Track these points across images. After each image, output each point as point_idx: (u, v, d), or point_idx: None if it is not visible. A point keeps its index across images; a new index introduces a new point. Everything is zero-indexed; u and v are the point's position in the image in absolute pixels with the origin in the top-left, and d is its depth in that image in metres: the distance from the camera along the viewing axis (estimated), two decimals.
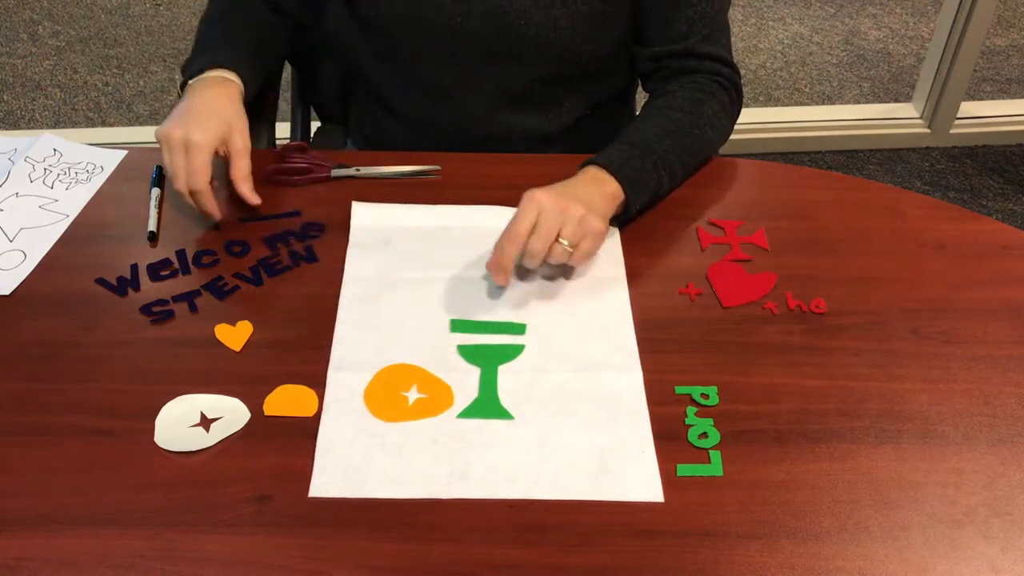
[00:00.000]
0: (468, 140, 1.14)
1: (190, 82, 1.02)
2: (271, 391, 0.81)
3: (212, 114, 0.96)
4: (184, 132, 0.93)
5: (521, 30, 1.06)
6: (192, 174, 0.93)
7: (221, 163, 0.98)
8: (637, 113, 1.27)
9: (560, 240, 0.88)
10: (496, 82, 1.11)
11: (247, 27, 1.12)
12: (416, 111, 1.17)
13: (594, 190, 0.94)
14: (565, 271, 0.95)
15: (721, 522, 0.71)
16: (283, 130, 1.31)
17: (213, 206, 0.96)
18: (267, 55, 1.14)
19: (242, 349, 0.85)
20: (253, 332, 0.87)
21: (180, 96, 1.03)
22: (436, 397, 0.81)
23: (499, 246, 0.88)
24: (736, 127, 1.12)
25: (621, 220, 0.99)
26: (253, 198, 0.98)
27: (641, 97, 1.41)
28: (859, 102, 2.73)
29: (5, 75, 2.76)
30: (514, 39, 1.06)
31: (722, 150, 1.25)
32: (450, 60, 1.10)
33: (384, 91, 1.18)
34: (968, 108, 2.56)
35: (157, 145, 0.96)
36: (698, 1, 1.06)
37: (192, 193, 0.95)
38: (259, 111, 1.22)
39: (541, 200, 0.88)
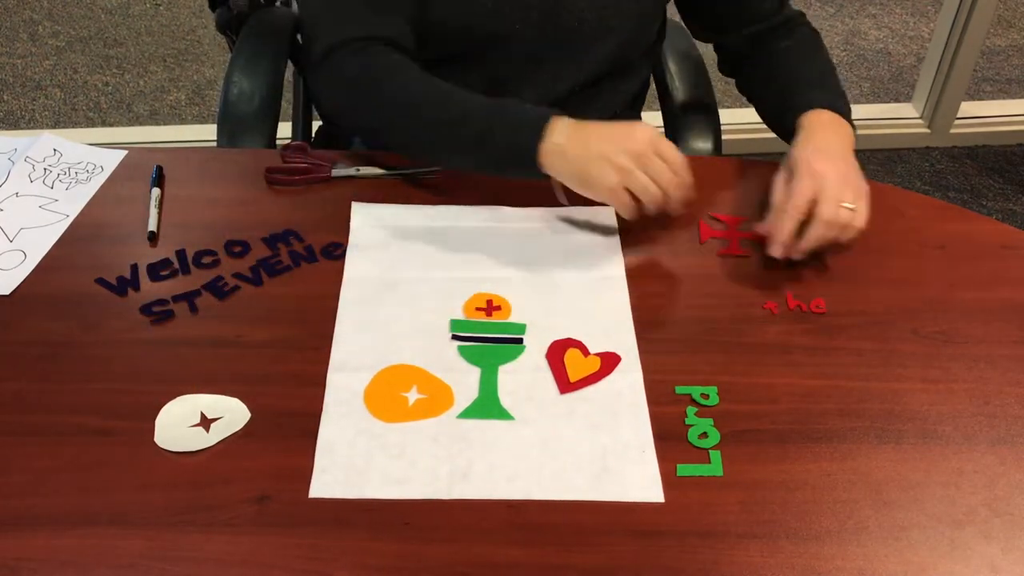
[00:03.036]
0: None
1: (547, 144, 0.92)
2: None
3: (621, 126, 0.93)
4: (643, 141, 0.90)
5: (575, 31, 1.07)
6: (678, 167, 0.92)
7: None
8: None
9: (843, 204, 0.90)
10: (544, 84, 1.12)
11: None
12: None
13: (846, 143, 0.98)
14: (565, 271, 0.95)
15: (721, 522, 0.71)
16: (284, 130, 1.31)
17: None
18: None
19: (242, 349, 0.85)
20: (253, 332, 0.87)
21: (530, 167, 0.94)
22: (436, 397, 0.81)
23: (777, 222, 0.92)
24: (736, 127, 1.13)
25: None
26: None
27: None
28: (859, 102, 2.73)
29: (5, 75, 2.76)
30: (566, 40, 1.08)
31: (724, 149, 1.25)
32: (503, 64, 1.10)
33: None
34: (968, 108, 2.56)
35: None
36: None
37: (684, 169, 0.93)
38: (259, 111, 1.22)
39: (822, 170, 0.91)
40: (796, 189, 0.91)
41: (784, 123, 1.04)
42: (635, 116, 1.28)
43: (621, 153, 0.89)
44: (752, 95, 1.17)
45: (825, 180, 0.91)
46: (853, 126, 1.02)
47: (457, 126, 0.97)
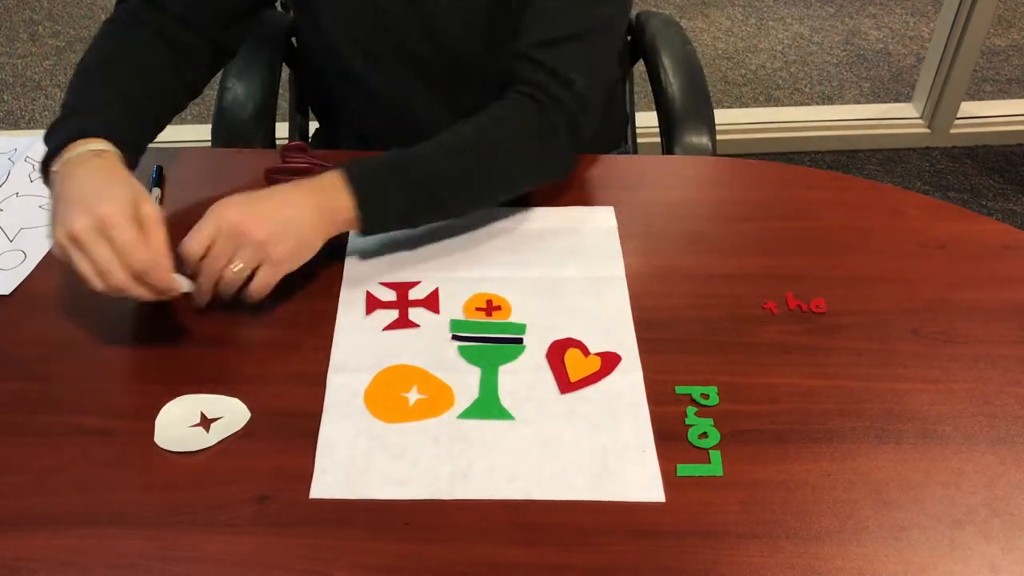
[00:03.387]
0: None
1: (58, 163, 0.83)
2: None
3: (108, 184, 0.80)
4: (90, 218, 0.76)
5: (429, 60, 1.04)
6: (127, 249, 0.76)
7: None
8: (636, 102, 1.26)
9: (233, 266, 0.80)
10: (445, 106, 1.09)
11: (130, 75, 0.95)
12: (379, 129, 1.15)
13: (309, 201, 0.84)
14: (565, 271, 0.95)
15: (721, 522, 0.71)
16: (283, 130, 1.31)
17: (179, 280, 0.81)
18: (155, 106, 0.97)
19: (242, 349, 0.85)
20: (253, 332, 0.87)
21: (45, 179, 0.86)
22: (437, 398, 0.81)
23: (164, 281, 0.79)
24: (736, 127, 1.12)
25: (367, 233, 0.90)
26: (176, 284, 0.81)
27: (644, 81, 1.41)
28: (859, 102, 2.73)
29: (5, 75, 2.76)
30: (429, 70, 1.06)
31: (722, 149, 1.25)
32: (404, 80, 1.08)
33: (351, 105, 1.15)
34: (968, 108, 2.56)
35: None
36: (550, 5, 0.94)
37: (139, 275, 0.77)
38: (253, 118, 1.22)
39: (223, 216, 0.80)
40: (194, 230, 0.81)
41: None
42: (609, 123, 1.25)
43: (61, 229, 0.76)
44: None
45: (222, 225, 0.80)
46: (366, 206, 0.86)
47: (69, 91, 0.92)
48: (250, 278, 0.83)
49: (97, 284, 0.77)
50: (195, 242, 0.80)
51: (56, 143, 0.85)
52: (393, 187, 0.88)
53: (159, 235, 0.79)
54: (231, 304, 0.85)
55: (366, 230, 0.89)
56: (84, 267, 0.77)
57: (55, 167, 0.83)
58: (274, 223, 0.82)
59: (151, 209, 0.80)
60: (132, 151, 0.90)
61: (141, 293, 0.78)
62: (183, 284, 0.81)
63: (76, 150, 0.83)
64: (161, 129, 0.99)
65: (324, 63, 1.14)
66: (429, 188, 0.90)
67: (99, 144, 0.85)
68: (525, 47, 0.95)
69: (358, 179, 0.87)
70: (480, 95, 0.97)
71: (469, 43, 1.05)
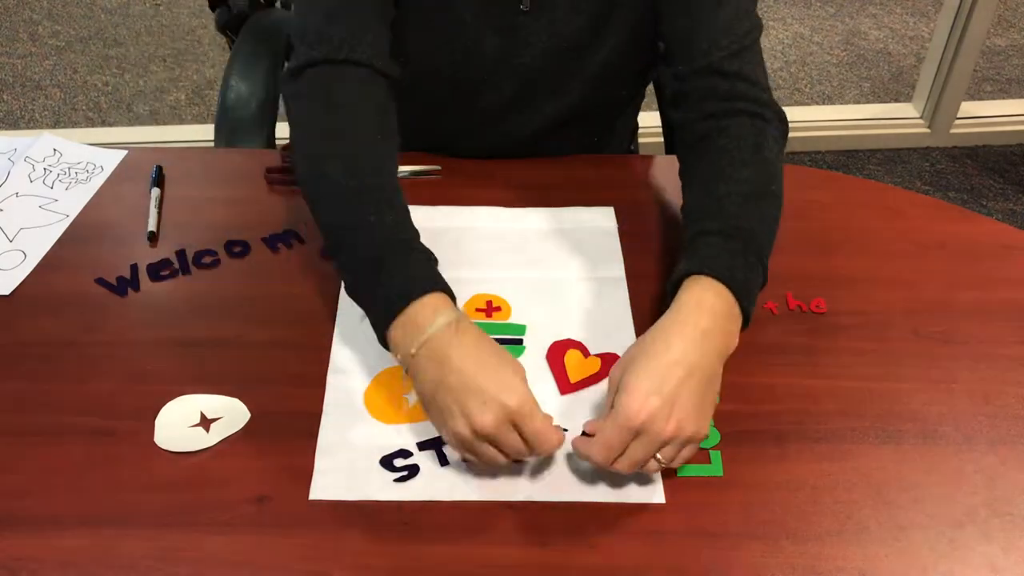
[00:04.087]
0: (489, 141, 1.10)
1: (415, 346, 0.73)
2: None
3: (501, 369, 0.72)
4: (501, 412, 0.69)
5: (573, 63, 1.01)
6: (542, 445, 0.71)
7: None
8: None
9: (657, 457, 0.71)
10: (543, 112, 1.07)
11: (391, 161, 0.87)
12: (469, 139, 1.10)
13: (711, 345, 0.74)
14: (565, 271, 0.95)
15: (721, 522, 0.71)
16: (283, 130, 1.31)
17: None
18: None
19: (242, 349, 0.85)
20: (253, 332, 0.87)
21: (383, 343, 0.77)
22: None
23: (586, 449, 0.71)
24: None
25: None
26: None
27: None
28: (859, 102, 2.73)
29: (5, 75, 2.76)
30: (565, 72, 1.03)
31: None
32: (501, 92, 1.05)
33: (432, 115, 1.09)
34: (968, 108, 2.56)
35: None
36: (722, 14, 0.91)
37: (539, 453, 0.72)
38: (256, 115, 1.22)
39: (646, 423, 0.69)
40: (605, 436, 0.70)
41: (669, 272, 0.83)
42: (620, 135, 1.24)
43: (464, 421, 0.70)
44: (681, 175, 0.94)
45: (645, 431, 0.69)
46: (747, 299, 0.78)
47: (341, 241, 0.81)
48: None
49: (498, 462, 0.72)
50: (611, 452, 0.70)
51: (391, 311, 0.75)
52: (751, 264, 0.80)
53: (536, 431, 0.71)
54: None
55: (745, 324, 0.79)
56: (490, 455, 0.71)
57: (413, 350, 0.73)
58: (697, 407, 0.71)
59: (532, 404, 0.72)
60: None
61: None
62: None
63: (432, 326, 0.73)
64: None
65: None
66: (761, 246, 0.83)
67: (449, 310, 0.75)
68: (715, 61, 0.91)
69: (732, 282, 0.77)
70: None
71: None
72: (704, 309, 0.75)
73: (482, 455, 0.71)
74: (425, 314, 0.74)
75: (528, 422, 0.70)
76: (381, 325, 0.76)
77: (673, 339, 0.73)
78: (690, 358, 0.72)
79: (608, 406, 0.73)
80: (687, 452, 0.72)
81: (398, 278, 0.76)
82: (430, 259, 0.79)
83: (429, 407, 0.73)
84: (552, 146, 1.11)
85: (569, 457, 0.76)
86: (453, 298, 0.77)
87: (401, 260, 0.77)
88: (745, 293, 0.78)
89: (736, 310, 0.77)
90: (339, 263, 0.82)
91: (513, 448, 0.71)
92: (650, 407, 0.69)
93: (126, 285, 0.92)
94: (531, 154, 1.10)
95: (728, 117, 0.90)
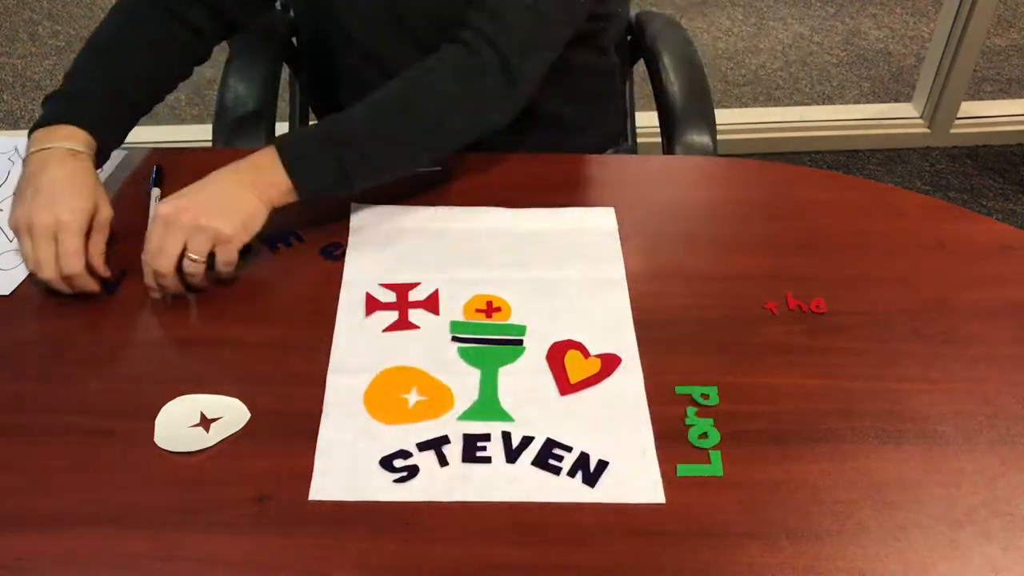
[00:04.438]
0: None
1: (36, 145, 0.92)
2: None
3: (75, 190, 0.89)
4: (52, 216, 0.86)
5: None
6: (67, 257, 0.86)
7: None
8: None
9: (188, 254, 0.86)
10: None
11: (138, 55, 1.02)
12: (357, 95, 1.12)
13: (244, 178, 0.89)
14: (565, 272, 0.95)
15: (721, 522, 0.71)
16: (282, 130, 1.31)
17: (92, 281, 0.89)
18: (158, 85, 1.05)
19: (242, 349, 0.85)
20: (253, 332, 0.87)
21: (26, 149, 0.93)
22: (436, 399, 0.81)
23: (86, 285, 0.88)
24: (736, 127, 1.11)
25: (306, 198, 0.93)
26: (104, 271, 0.89)
27: (644, 82, 1.41)
28: (859, 102, 2.73)
29: (5, 75, 2.76)
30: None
31: (722, 149, 1.25)
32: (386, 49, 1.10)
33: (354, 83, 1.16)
34: (968, 108, 2.56)
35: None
36: None
37: (67, 278, 0.87)
38: (254, 116, 1.22)
39: (161, 213, 0.86)
40: (147, 236, 0.88)
41: None
42: (598, 96, 1.26)
43: (24, 212, 0.87)
44: None
45: (167, 222, 0.86)
46: (291, 158, 0.90)
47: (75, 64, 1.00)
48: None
49: (31, 268, 0.88)
50: (151, 249, 0.86)
51: (44, 118, 0.93)
52: (320, 150, 0.92)
53: (100, 239, 0.89)
54: (204, 288, 0.90)
55: (303, 196, 0.92)
56: (27, 252, 0.87)
57: (33, 148, 0.91)
58: (213, 205, 0.87)
59: (105, 214, 0.91)
60: (109, 147, 0.98)
61: (62, 288, 0.88)
62: (97, 289, 0.89)
63: (56, 142, 0.91)
64: (160, 100, 1.07)
65: (327, 47, 1.15)
66: (358, 146, 0.93)
67: (78, 142, 0.92)
68: (466, 15, 0.97)
69: (285, 148, 0.91)
70: None
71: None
72: (245, 159, 0.91)
73: (22, 246, 0.88)
74: (58, 135, 0.92)
75: (66, 238, 0.86)
76: (34, 127, 0.94)
77: (213, 174, 0.90)
78: (211, 179, 0.89)
79: None
80: (221, 250, 0.87)
81: (63, 103, 0.95)
82: (101, 104, 0.97)
83: (16, 196, 0.89)
84: None
85: (570, 459, 0.76)
86: (97, 139, 0.94)
87: (75, 90, 0.96)
88: (294, 166, 0.90)
89: (279, 167, 0.90)
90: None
91: (44, 254, 0.86)
92: (171, 204, 0.86)
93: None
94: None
95: (447, 45, 0.97)
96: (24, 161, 0.92)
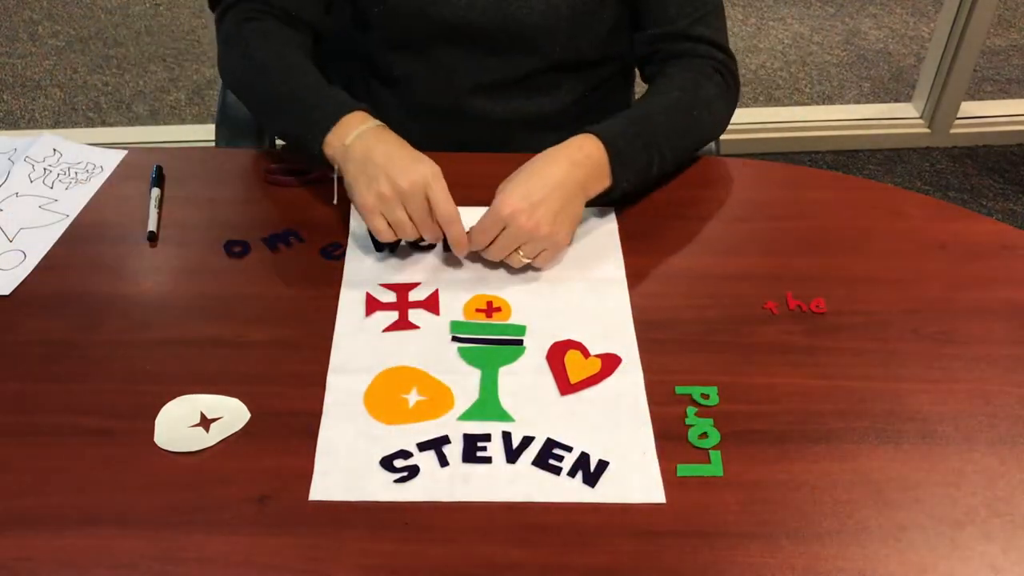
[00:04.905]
0: (470, 122, 1.15)
1: (350, 137, 0.93)
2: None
3: (412, 151, 0.92)
4: (418, 174, 0.88)
5: (523, 20, 1.07)
6: (448, 204, 0.89)
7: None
8: (635, 93, 1.28)
9: (518, 252, 0.91)
10: (498, 70, 1.12)
11: (306, 59, 1.06)
12: (421, 97, 1.16)
13: (578, 178, 0.93)
14: (565, 272, 0.95)
15: (721, 522, 0.71)
16: None
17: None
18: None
19: (242, 349, 0.85)
20: (253, 332, 0.87)
21: (312, 155, 0.96)
22: (436, 399, 0.81)
23: (458, 240, 0.91)
24: (736, 127, 1.12)
25: (607, 200, 0.98)
26: (464, 241, 0.91)
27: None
28: (859, 102, 2.73)
29: (5, 75, 2.76)
30: (516, 29, 1.08)
31: (723, 150, 1.25)
32: (453, 48, 1.10)
33: (390, 77, 1.16)
34: (968, 108, 2.56)
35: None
36: None
37: (449, 224, 0.90)
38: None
39: (510, 214, 0.88)
40: (481, 225, 0.91)
41: None
42: (625, 86, 1.28)
43: (387, 182, 0.88)
44: None
45: (510, 224, 0.89)
46: (619, 164, 0.95)
47: (279, 101, 1.01)
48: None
49: (405, 228, 0.90)
50: (484, 237, 0.91)
51: (325, 121, 0.95)
52: (635, 149, 0.97)
53: (446, 209, 0.90)
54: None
55: (605, 197, 0.97)
56: (399, 218, 0.89)
57: (348, 140, 0.92)
58: (555, 215, 0.90)
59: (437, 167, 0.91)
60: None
61: (434, 238, 0.92)
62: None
63: (363, 125, 0.94)
64: None
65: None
66: (659, 145, 1.00)
67: (373, 120, 0.95)
68: (682, 27, 1.08)
69: (610, 145, 0.95)
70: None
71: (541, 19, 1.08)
72: (580, 150, 0.94)
73: (394, 216, 0.89)
74: (354, 121, 0.94)
75: (438, 187, 0.88)
76: (319, 136, 0.94)
77: (548, 163, 0.93)
78: (556, 178, 0.91)
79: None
80: (546, 255, 0.92)
81: (330, 104, 0.97)
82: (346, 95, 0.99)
83: (354, 180, 0.91)
84: (546, 100, 1.16)
85: (570, 459, 0.76)
86: (373, 115, 0.96)
87: (327, 92, 0.99)
88: (619, 159, 0.95)
89: (607, 168, 0.95)
90: (279, 123, 1.03)
91: (421, 211, 0.88)
92: (517, 206, 0.88)
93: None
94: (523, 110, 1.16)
95: (684, 60, 1.08)
96: (336, 159, 0.94)
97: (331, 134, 0.94)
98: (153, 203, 1.01)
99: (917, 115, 2.57)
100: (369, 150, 0.91)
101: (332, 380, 0.82)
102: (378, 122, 0.95)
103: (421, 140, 0.97)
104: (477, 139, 1.13)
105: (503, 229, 0.89)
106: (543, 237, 0.90)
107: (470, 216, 0.92)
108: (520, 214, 0.88)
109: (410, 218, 0.89)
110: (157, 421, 0.78)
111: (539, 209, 0.89)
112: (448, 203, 0.89)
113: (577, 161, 0.93)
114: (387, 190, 0.88)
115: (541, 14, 1.07)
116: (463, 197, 0.91)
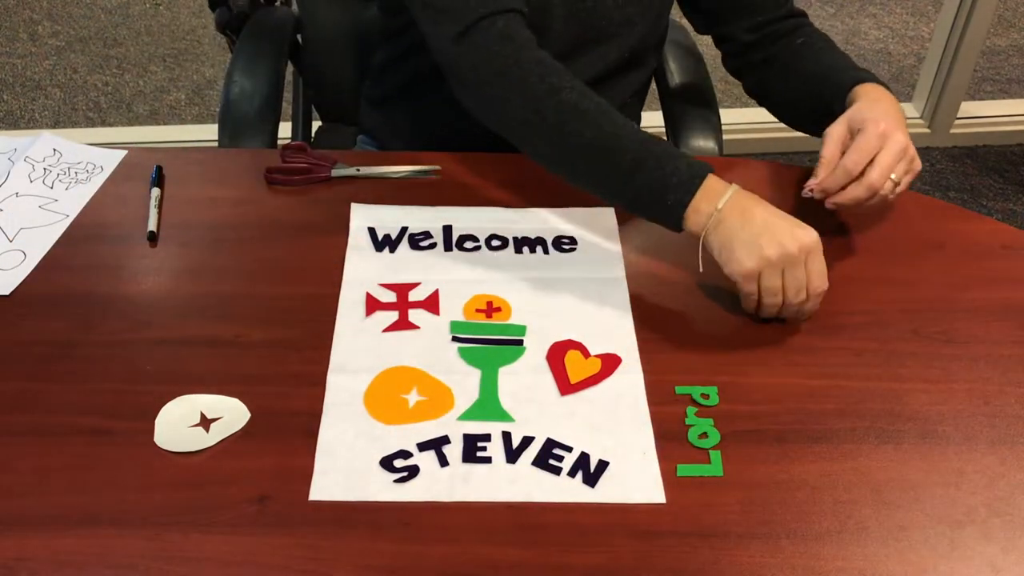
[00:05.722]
0: None
1: (721, 201, 0.87)
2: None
3: (787, 217, 0.88)
4: (801, 242, 0.85)
5: (601, 28, 1.09)
6: (823, 276, 0.87)
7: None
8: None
9: (891, 177, 0.92)
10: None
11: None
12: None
13: (902, 117, 0.96)
14: (565, 272, 0.95)
15: (721, 522, 0.71)
16: (283, 130, 1.31)
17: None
18: None
19: (242, 349, 0.85)
20: (253, 332, 0.87)
21: (672, 221, 0.89)
22: (436, 399, 0.81)
23: (830, 173, 0.92)
24: (736, 127, 1.12)
25: None
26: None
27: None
28: None
29: (5, 75, 2.76)
30: (592, 36, 1.09)
31: (723, 150, 1.25)
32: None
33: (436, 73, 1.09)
34: (968, 108, 2.56)
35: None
36: None
37: (816, 297, 0.87)
38: (260, 111, 1.22)
39: (888, 133, 0.91)
40: (861, 145, 0.91)
41: (827, 106, 1.02)
42: (638, 105, 1.28)
43: (775, 246, 0.84)
44: (770, 92, 1.15)
45: (888, 144, 0.91)
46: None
47: (608, 152, 0.90)
48: None
49: (776, 298, 0.86)
50: (863, 156, 0.91)
51: (691, 188, 0.88)
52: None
53: (820, 281, 0.87)
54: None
55: None
56: (775, 283, 0.86)
57: (720, 204, 0.87)
58: (906, 138, 0.93)
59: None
60: None
61: (791, 315, 0.89)
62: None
63: (729, 188, 0.88)
64: None
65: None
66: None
67: (728, 184, 0.89)
68: (786, 10, 1.13)
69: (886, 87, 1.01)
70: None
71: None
72: (889, 97, 0.98)
73: (770, 282, 0.85)
74: (719, 185, 0.88)
75: (818, 256, 0.86)
76: (683, 200, 0.87)
77: (880, 102, 0.96)
78: (896, 111, 0.96)
79: (829, 152, 0.94)
80: (909, 177, 0.93)
81: (684, 163, 0.89)
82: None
83: (734, 243, 0.86)
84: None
85: (569, 457, 0.76)
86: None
87: (674, 151, 0.91)
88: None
89: (897, 102, 0.98)
90: (606, 174, 0.92)
91: (797, 281, 0.85)
92: (890, 125, 0.92)
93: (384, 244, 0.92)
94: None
95: (793, 36, 1.12)
96: (707, 224, 0.87)
97: (699, 198, 0.87)
98: (153, 203, 1.01)
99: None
100: (747, 213, 0.86)
101: (332, 380, 0.82)
102: (736, 186, 0.89)
103: (472, 140, 0.95)
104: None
105: (881, 146, 0.91)
106: (911, 155, 0.93)
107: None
108: (895, 132, 0.91)
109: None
110: (157, 421, 0.78)
111: (900, 131, 0.92)
112: (823, 277, 0.87)
113: (896, 105, 0.97)
114: (773, 255, 0.84)
115: (619, 24, 1.08)
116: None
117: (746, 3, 1.13)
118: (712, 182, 0.88)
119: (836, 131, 0.95)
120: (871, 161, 0.91)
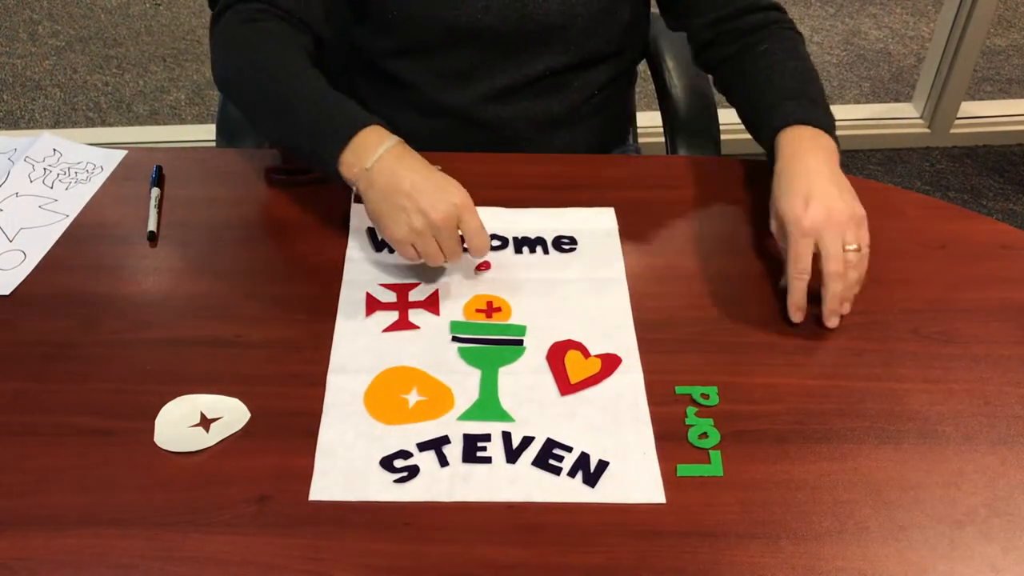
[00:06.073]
0: (479, 124, 1.14)
1: (369, 160, 0.88)
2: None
3: (438, 175, 0.89)
4: (448, 205, 0.86)
5: (540, 20, 1.07)
6: (480, 233, 0.88)
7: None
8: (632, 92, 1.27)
9: (847, 248, 0.87)
10: (512, 72, 1.12)
11: (311, 63, 1.00)
12: (430, 98, 1.15)
13: (830, 161, 0.94)
14: (565, 272, 0.95)
15: (721, 522, 0.71)
16: None
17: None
18: None
19: (242, 349, 0.85)
20: (253, 332, 0.87)
21: (325, 175, 0.92)
22: (436, 399, 0.81)
23: (791, 286, 0.87)
24: (736, 127, 1.12)
25: None
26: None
27: (643, 81, 1.41)
28: (859, 102, 2.73)
29: (5, 75, 2.76)
30: (532, 29, 1.08)
31: (723, 150, 1.25)
32: (468, 51, 1.10)
33: (398, 81, 1.15)
34: (968, 108, 2.56)
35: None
36: None
37: (479, 254, 0.90)
38: None
39: (813, 226, 0.87)
40: (794, 253, 0.87)
41: (760, 136, 1.02)
42: (629, 86, 1.28)
43: (419, 214, 0.86)
44: (728, 98, 1.13)
45: (821, 235, 0.86)
46: (834, 136, 0.98)
47: (286, 107, 0.95)
48: None
49: (435, 260, 0.88)
50: (804, 265, 0.87)
51: (340, 137, 0.89)
52: (822, 113, 1.00)
53: (478, 237, 0.89)
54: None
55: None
56: (431, 251, 0.87)
57: (368, 164, 0.88)
58: (841, 195, 0.90)
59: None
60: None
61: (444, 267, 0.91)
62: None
63: (383, 143, 0.89)
64: None
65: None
66: (820, 101, 1.02)
67: (390, 137, 0.90)
68: (747, 3, 1.09)
69: (827, 125, 0.98)
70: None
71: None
72: (812, 140, 0.96)
73: (426, 249, 0.87)
74: (372, 139, 0.89)
75: (471, 217, 0.87)
76: (334, 152, 0.89)
77: (802, 161, 0.93)
78: (830, 177, 0.92)
79: (782, 246, 0.91)
80: (863, 233, 0.88)
81: (341, 116, 0.91)
82: (352, 101, 0.94)
83: (381, 210, 0.87)
84: (555, 101, 1.15)
85: (569, 457, 0.76)
86: (388, 129, 0.91)
87: (340, 104, 0.93)
88: (826, 122, 0.98)
89: (829, 140, 0.96)
90: (282, 131, 0.96)
91: (452, 243, 0.87)
92: (811, 211, 0.87)
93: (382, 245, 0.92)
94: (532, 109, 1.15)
95: (759, 34, 1.09)
96: (355, 182, 0.89)
97: (348, 152, 0.89)
98: (153, 203, 1.01)
99: (917, 115, 2.57)
100: (394, 177, 0.87)
101: (332, 380, 0.82)
102: (396, 139, 0.91)
103: (428, 141, 0.96)
104: (485, 139, 1.13)
105: (817, 239, 0.87)
106: (850, 220, 0.88)
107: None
108: (821, 221, 0.87)
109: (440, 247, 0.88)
110: (157, 421, 0.78)
111: (828, 199, 0.89)
112: (480, 234, 0.88)
113: (824, 146, 0.95)
114: (419, 224, 0.86)
115: (558, 14, 1.07)
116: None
117: (693, 3, 1.11)
118: (367, 136, 0.89)
119: (773, 228, 0.93)
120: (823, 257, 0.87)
